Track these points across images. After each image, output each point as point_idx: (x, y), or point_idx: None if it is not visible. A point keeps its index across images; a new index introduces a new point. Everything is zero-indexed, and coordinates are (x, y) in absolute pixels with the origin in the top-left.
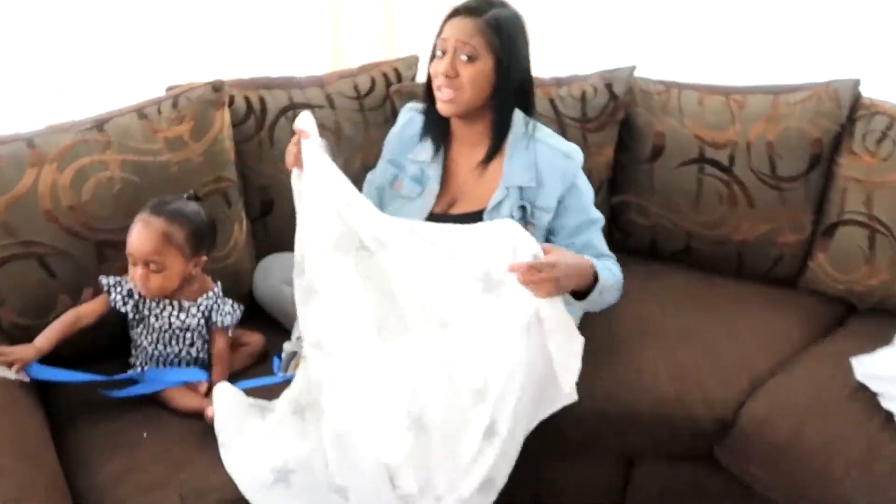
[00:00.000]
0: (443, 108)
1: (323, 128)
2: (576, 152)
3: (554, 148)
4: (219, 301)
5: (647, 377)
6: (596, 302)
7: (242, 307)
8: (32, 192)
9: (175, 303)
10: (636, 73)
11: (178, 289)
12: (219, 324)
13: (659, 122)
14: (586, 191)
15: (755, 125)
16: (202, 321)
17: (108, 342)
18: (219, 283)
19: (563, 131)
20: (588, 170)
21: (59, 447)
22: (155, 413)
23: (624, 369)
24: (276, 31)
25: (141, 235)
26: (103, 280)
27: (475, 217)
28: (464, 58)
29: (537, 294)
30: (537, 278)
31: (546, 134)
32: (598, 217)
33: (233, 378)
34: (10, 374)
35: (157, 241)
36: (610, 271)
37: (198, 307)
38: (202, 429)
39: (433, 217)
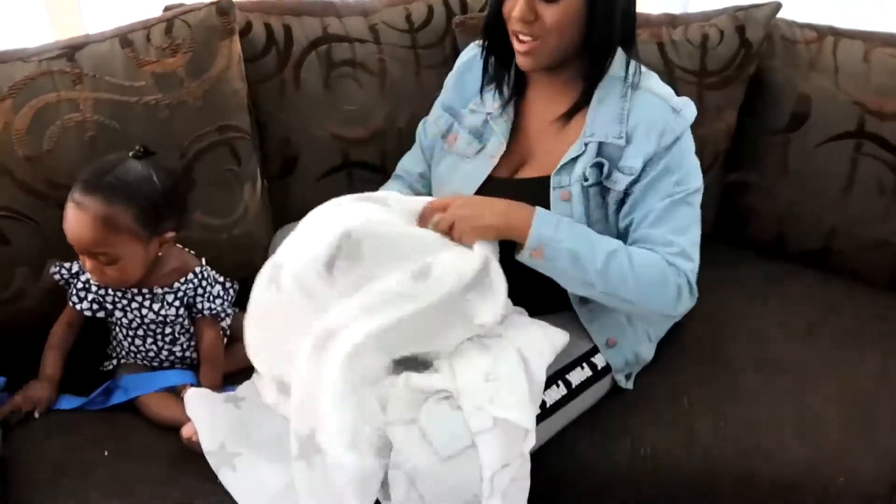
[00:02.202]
0: (522, 61)
1: (364, 68)
2: (688, 108)
3: (661, 98)
4: (204, 283)
5: (766, 432)
6: (564, 270)
7: (237, 285)
8: None
9: (145, 291)
10: (780, 14)
11: (146, 275)
12: (205, 312)
13: (804, 80)
14: (688, 159)
15: None
16: (183, 311)
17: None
18: (203, 260)
19: (672, 86)
20: (701, 138)
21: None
22: (126, 422)
23: (734, 417)
24: None
25: (75, 223)
26: (56, 274)
27: (543, 182)
28: None
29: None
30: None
31: (654, 82)
32: (691, 196)
33: (228, 381)
34: None
35: (96, 230)
36: (602, 251)
37: (175, 294)
38: (179, 450)
39: (494, 182)
